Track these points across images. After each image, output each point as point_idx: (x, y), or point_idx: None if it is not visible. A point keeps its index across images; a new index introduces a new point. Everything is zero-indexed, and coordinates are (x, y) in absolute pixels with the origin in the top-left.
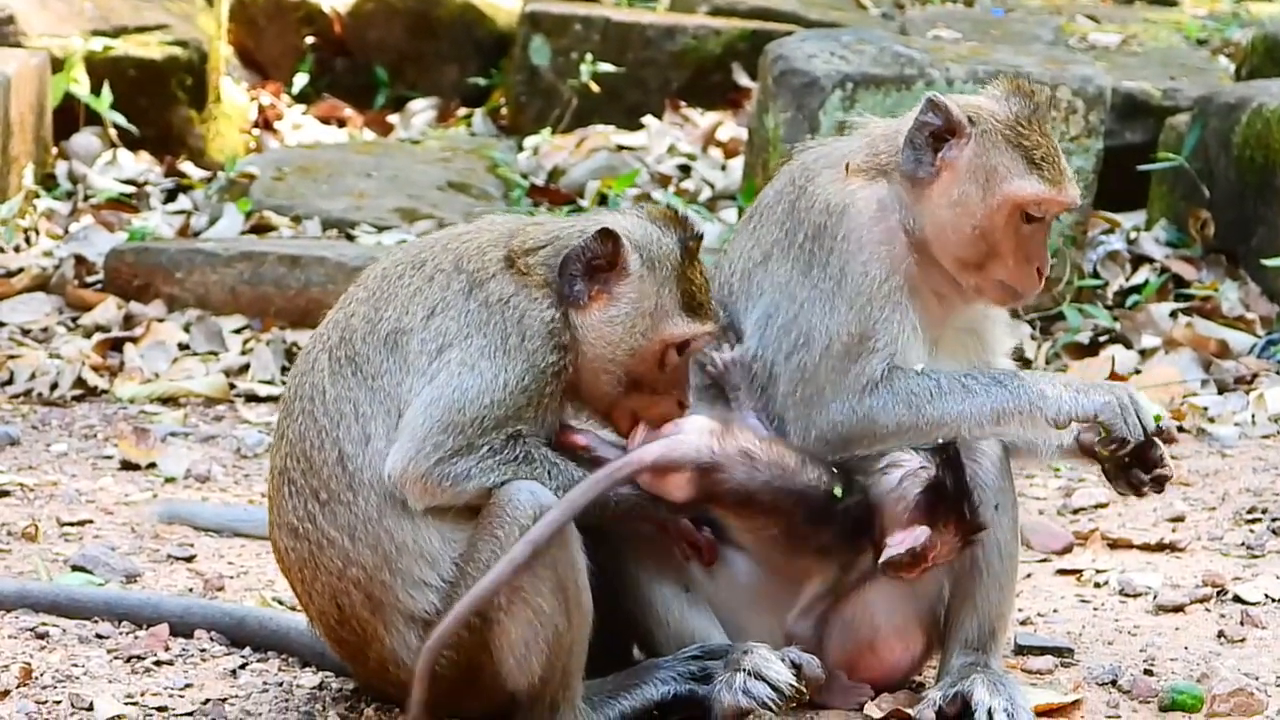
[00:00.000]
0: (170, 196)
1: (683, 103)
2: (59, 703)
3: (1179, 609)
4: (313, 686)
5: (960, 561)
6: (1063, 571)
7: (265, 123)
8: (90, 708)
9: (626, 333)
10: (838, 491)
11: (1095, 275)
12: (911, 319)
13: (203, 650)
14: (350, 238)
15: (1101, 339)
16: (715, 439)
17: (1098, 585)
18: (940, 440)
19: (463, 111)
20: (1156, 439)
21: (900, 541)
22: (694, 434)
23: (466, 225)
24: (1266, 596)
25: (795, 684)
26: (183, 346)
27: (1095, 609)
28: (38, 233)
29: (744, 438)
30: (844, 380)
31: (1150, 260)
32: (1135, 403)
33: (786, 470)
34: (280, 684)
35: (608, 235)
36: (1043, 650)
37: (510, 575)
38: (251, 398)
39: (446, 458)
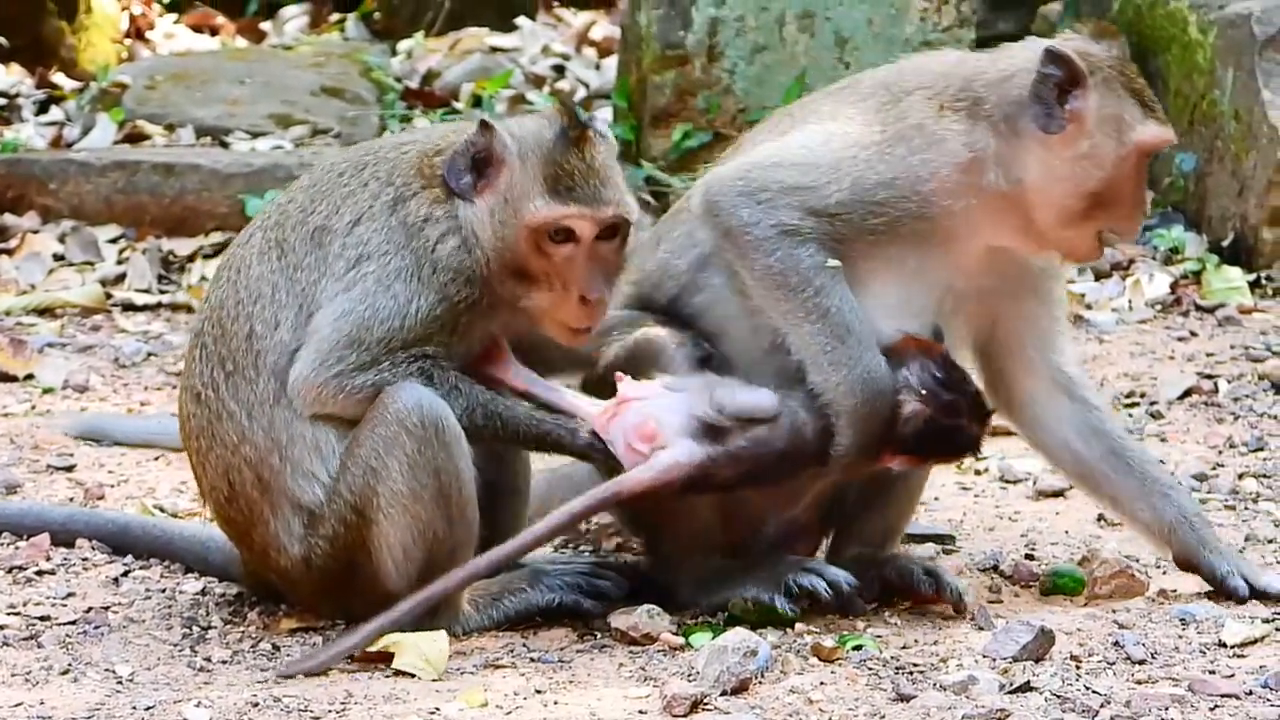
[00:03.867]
0: (42, 108)
1: (555, 3)
2: None
3: (1059, 494)
4: (196, 592)
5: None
6: None
7: (137, 32)
8: None
9: (499, 223)
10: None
11: None
12: (911, 259)
13: (84, 559)
14: (224, 145)
15: None
16: (702, 447)
17: (978, 473)
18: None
19: (335, 17)
20: None
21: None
22: (681, 449)
23: (420, 131)
24: None
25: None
26: (58, 257)
27: (976, 496)
28: None
29: (732, 439)
30: (782, 201)
31: None
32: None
33: (772, 448)
34: (163, 590)
35: (485, 126)
36: (925, 538)
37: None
38: (129, 307)
39: (347, 371)
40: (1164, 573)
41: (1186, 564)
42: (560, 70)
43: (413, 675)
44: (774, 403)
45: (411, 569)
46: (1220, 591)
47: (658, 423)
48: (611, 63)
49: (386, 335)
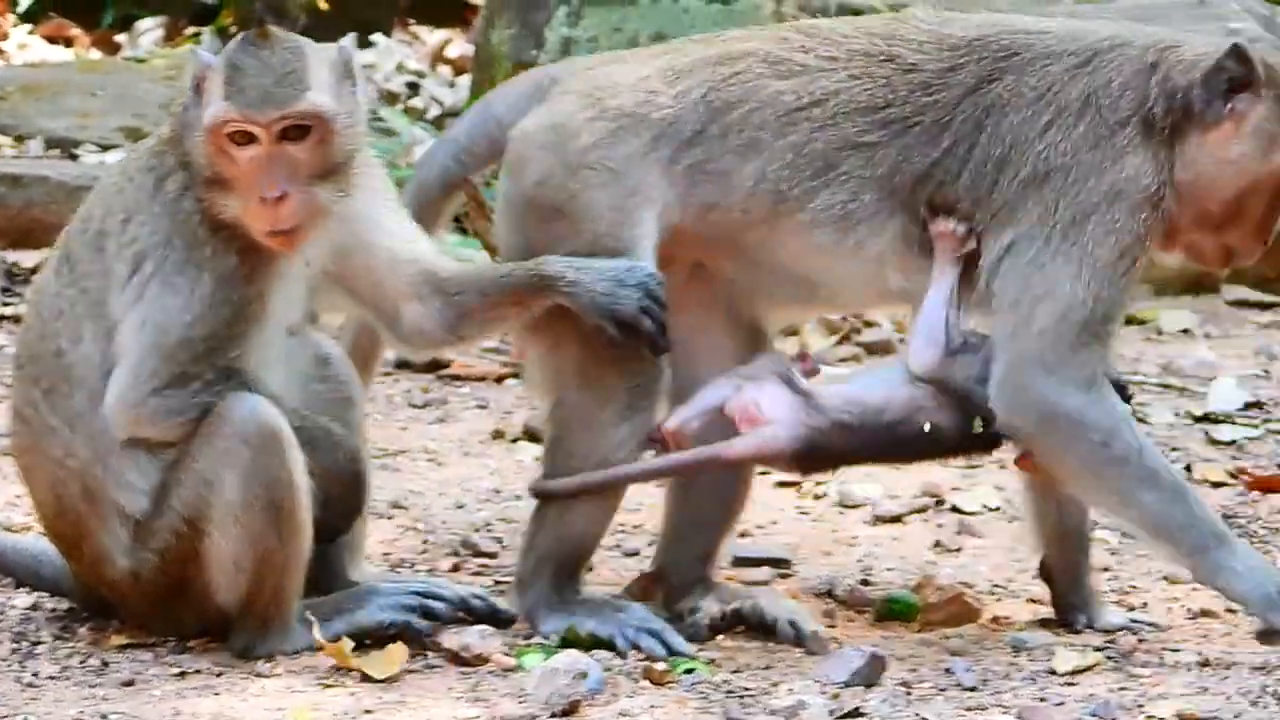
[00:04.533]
0: None
1: (412, 20)
2: None
3: (897, 519)
4: (26, 607)
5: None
6: (783, 484)
7: None
8: None
9: (197, 137)
10: (977, 425)
11: None
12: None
13: None
14: (74, 157)
15: None
16: (804, 416)
17: (817, 497)
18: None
19: (191, 30)
20: None
21: None
22: (784, 423)
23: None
24: (984, 506)
25: None
26: None
27: (814, 520)
28: None
29: (834, 407)
30: (1080, 346)
31: None
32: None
33: (884, 417)
34: None
35: (193, 53)
36: (760, 561)
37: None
38: None
39: (161, 388)
40: (998, 599)
41: (1049, 574)
42: (414, 87)
43: (227, 684)
44: (882, 395)
45: (243, 581)
46: (1059, 617)
47: (758, 406)
48: (465, 81)
49: (185, 336)
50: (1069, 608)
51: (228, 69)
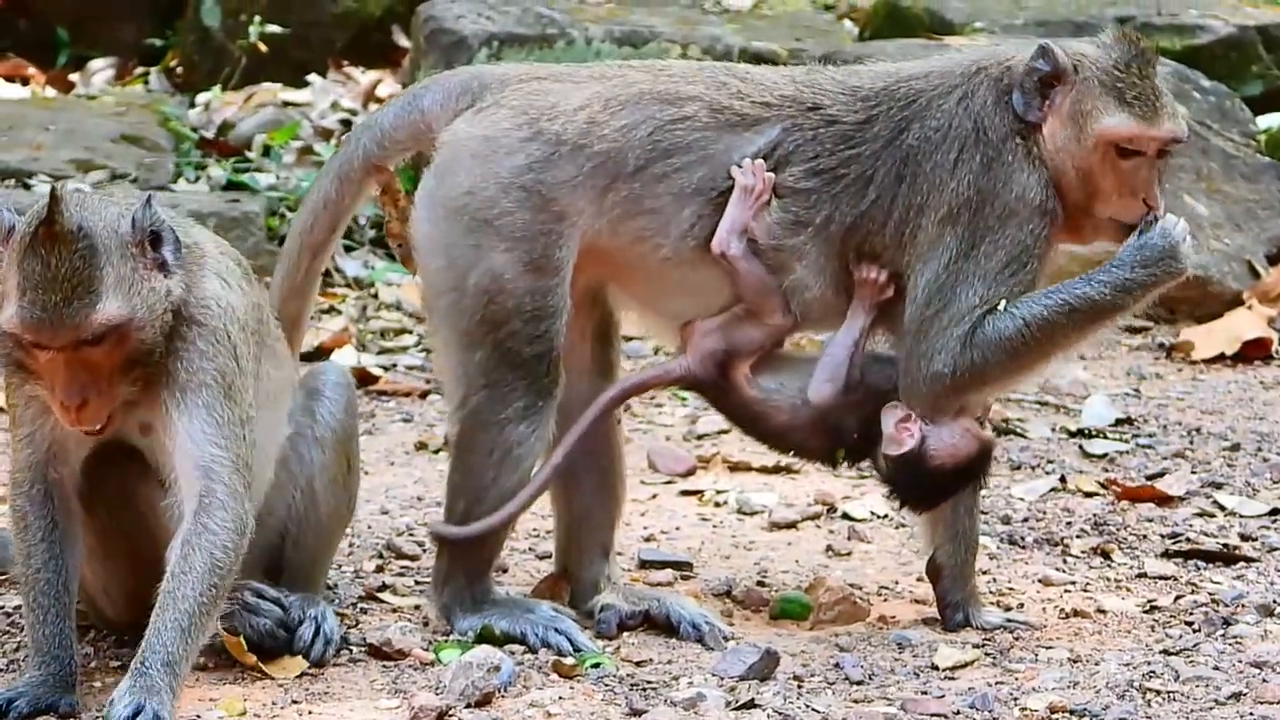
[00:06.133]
0: None
1: (345, 61)
2: None
3: (792, 525)
4: (14, 608)
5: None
6: (686, 493)
7: None
8: None
9: None
10: (840, 456)
11: None
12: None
13: None
14: (27, 187)
15: None
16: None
17: (718, 505)
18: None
19: (140, 70)
20: None
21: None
22: (679, 361)
23: None
24: (872, 514)
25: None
26: None
27: (714, 526)
28: None
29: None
30: (959, 340)
31: None
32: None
33: (765, 422)
34: None
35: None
36: (664, 564)
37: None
38: None
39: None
40: (884, 600)
41: (936, 573)
42: (348, 124)
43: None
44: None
45: None
46: (941, 616)
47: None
48: None
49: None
50: (951, 606)
51: (20, 273)
